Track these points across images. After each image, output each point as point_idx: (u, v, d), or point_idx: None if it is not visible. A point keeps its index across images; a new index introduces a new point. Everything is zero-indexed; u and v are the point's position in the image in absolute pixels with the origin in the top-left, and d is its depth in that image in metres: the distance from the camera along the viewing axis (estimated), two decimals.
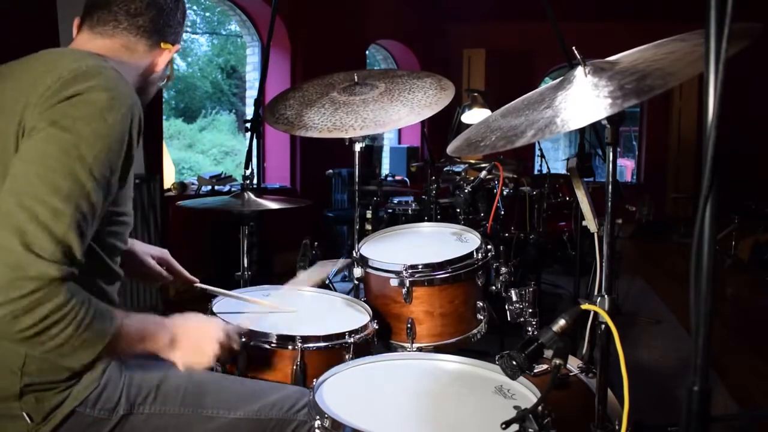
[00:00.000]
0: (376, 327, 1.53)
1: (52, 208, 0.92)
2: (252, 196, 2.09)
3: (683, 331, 3.63)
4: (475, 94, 4.52)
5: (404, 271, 1.62)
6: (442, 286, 1.65)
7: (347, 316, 1.61)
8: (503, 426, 0.94)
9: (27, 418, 1.04)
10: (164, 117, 6.45)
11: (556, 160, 14.33)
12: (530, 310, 1.60)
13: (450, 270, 1.65)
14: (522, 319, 1.60)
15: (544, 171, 4.69)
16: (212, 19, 13.15)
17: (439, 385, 1.25)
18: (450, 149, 1.27)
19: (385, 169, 7.41)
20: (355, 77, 2.08)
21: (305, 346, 1.37)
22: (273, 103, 2.12)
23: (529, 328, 1.59)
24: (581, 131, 2.68)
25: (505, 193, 3.55)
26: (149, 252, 1.50)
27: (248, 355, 1.37)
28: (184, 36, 1.34)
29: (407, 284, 1.62)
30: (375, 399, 1.19)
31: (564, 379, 1.48)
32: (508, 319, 1.62)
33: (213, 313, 1.52)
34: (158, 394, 1.15)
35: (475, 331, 1.71)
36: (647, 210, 7.76)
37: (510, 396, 1.18)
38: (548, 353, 1.05)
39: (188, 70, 12.90)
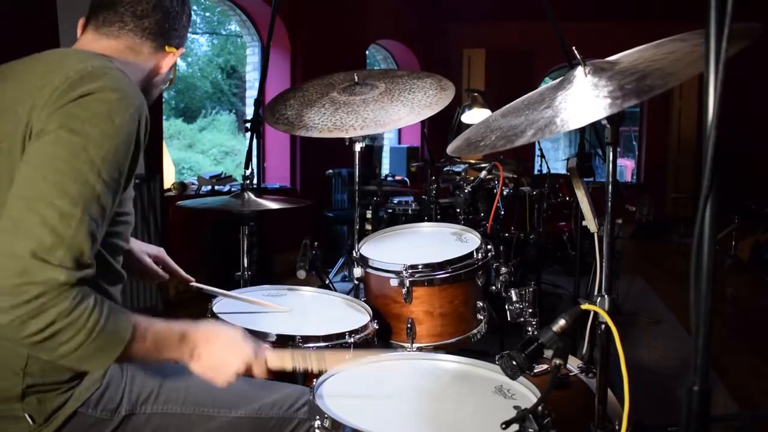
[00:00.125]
0: (376, 327, 1.53)
1: (61, 212, 0.91)
2: (252, 196, 2.09)
3: (683, 331, 3.63)
4: (475, 94, 4.52)
5: (404, 271, 1.62)
6: (442, 286, 1.65)
7: (347, 316, 1.61)
8: (503, 426, 0.94)
9: (29, 420, 1.04)
10: (164, 117, 6.45)
11: (556, 160, 14.33)
12: (530, 310, 1.60)
13: (450, 270, 1.65)
14: (522, 319, 1.61)
15: (544, 171, 4.70)
16: (212, 19, 13.16)
17: (439, 385, 1.25)
18: (450, 149, 1.27)
19: (385, 169, 7.42)
20: (355, 77, 2.08)
21: (305, 346, 1.37)
22: (273, 103, 2.12)
23: (529, 328, 1.59)
24: (581, 131, 2.68)
25: (505, 193, 3.55)
26: (146, 250, 1.50)
27: None
28: None
29: (407, 284, 1.62)
30: (375, 399, 1.19)
31: (564, 379, 1.48)
32: (508, 319, 1.62)
33: (213, 314, 1.52)
34: (160, 394, 1.15)
35: (475, 331, 1.71)
36: (647, 210, 7.76)
37: (510, 396, 1.18)
38: (548, 353, 1.05)
39: (188, 70, 12.90)
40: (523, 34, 7.76)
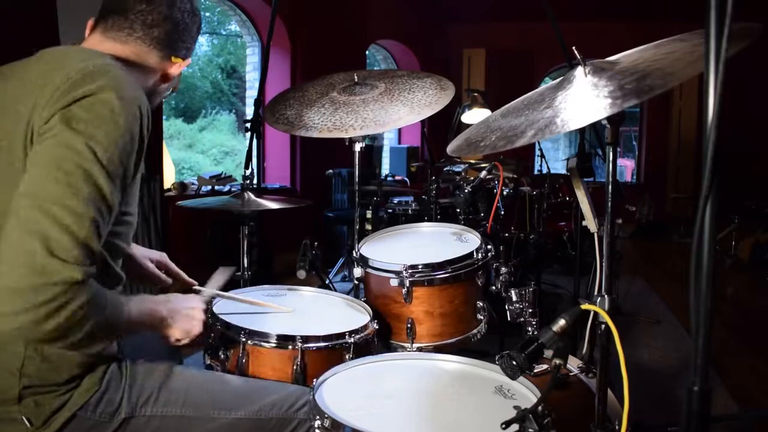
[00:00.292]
0: (376, 327, 1.53)
1: (74, 212, 0.92)
2: (252, 196, 2.09)
3: (683, 331, 3.63)
4: (475, 94, 4.52)
5: (404, 271, 1.62)
6: (442, 286, 1.65)
7: (347, 316, 1.61)
8: (503, 426, 0.94)
9: (26, 423, 1.03)
10: (164, 117, 6.46)
11: (556, 160, 14.33)
12: (530, 310, 1.60)
13: (450, 270, 1.64)
14: (522, 319, 1.60)
15: (544, 171, 4.69)
16: (212, 19, 13.15)
17: (439, 385, 1.25)
18: (450, 149, 1.27)
19: (385, 169, 7.42)
20: (355, 77, 2.08)
21: (305, 346, 1.37)
22: (273, 103, 2.12)
23: (529, 328, 1.59)
24: (581, 131, 2.68)
25: (505, 193, 3.54)
26: (148, 255, 1.51)
27: (248, 354, 1.37)
28: None
29: (407, 284, 1.62)
30: (375, 399, 1.19)
31: (564, 379, 1.48)
32: (508, 319, 1.62)
33: (213, 313, 1.52)
34: (159, 396, 1.15)
35: (475, 331, 1.71)
36: (647, 210, 7.76)
37: (510, 396, 1.18)
38: (548, 353, 1.05)
39: (188, 70, 12.85)
40: (523, 34, 7.76)
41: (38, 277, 0.88)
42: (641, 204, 7.73)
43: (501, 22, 8.00)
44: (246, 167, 2.35)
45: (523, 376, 1.07)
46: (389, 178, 6.21)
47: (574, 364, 1.54)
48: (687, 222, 7.37)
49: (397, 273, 1.63)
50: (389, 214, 3.80)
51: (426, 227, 2.04)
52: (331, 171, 5.62)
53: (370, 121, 1.91)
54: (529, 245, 3.62)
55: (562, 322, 1.04)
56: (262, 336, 1.37)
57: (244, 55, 6.50)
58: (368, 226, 3.61)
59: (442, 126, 4.58)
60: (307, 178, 5.82)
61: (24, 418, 1.03)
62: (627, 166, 12.11)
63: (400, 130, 8.12)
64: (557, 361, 1.02)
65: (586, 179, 1.59)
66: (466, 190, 2.56)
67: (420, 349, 1.63)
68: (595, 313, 1.09)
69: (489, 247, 1.75)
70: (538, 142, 4.28)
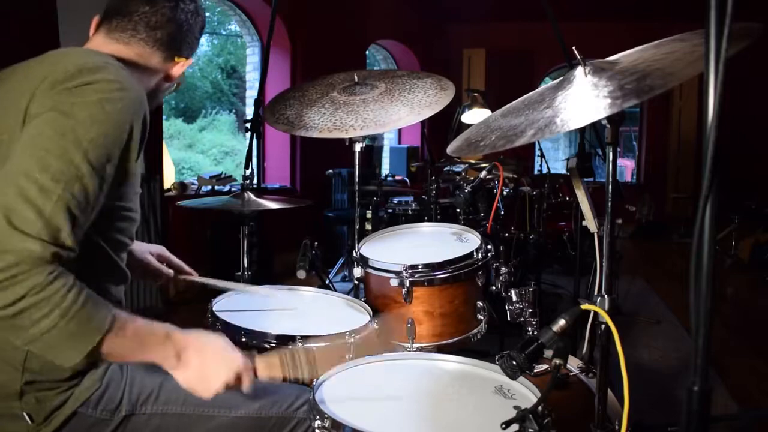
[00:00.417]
0: (376, 327, 1.53)
1: (41, 186, 0.90)
2: (252, 196, 2.09)
3: (683, 331, 3.63)
4: (475, 94, 4.52)
5: (404, 271, 1.62)
6: (442, 286, 1.65)
7: (347, 316, 1.61)
8: (503, 426, 0.94)
9: (27, 419, 1.03)
10: (164, 117, 6.46)
11: (556, 160, 14.33)
12: (530, 310, 1.60)
13: (450, 270, 1.65)
14: (522, 319, 1.61)
15: (544, 171, 4.69)
16: (212, 19, 13.14)
17: (439, 385, 1.25)
18: (450, 149, 1.27)
19: (385, 169, 7.41)
20: (355, 77, 2.08)
21: (305, 346, 1.37)
22: (273, 103, 2.12)
23: (529, 328, 1.59)
24: (581, 131, 2.68)
25: (505, 193, 3.54)
26: (148, 250, 1.51)
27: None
28: None
29: (407, 284, 1.62)
30: (375, 399, 1.19)
31: (564, 379, 1.48)
32: (508, 319, 1.62)
33: (213, 313, 1.52)
34: (160, 394, 1.15)
35: (475, 331, 1.71)
36: (647, 210, 7.76)
37: (510, 396, 1.18)
38: (548, 353, 1.05)
39: (188, 70, 12.82)
40: (523, 34, 7.76)
41: None
42: (641, 204, 7.73)
43: (501, 22, 8.00)
44: (246, 167, 2.35)
45: (523, 376, 1.07)
46: (389, 178, 6.21)
47: (574, 364, 1.55)
48: (687, 222, 7.36)
49: (397, 273, 1.63)
50: (389, 214, 3.80)
51: (426, 227, 2.05)
52: (331, 171, 5.62)
53: (370, 121, 1.91)
54: (529, 245, 3.62)
55: (562, 322, 1.04)
56: (262, 336, 1.37)
57: (244, 55, 6.51)
58: (368, 226, 3.61)
59: (442, 126, 4.58)
60: (307, 178, 5.82)
61: (25, 414, 1.03)
62: (627, 166, 12.10)
63: (400, 130, 8.12)
64: (557, 361, 1.02)
65: (586, 179, 1.59)
66: (466, 190, 2.56)
67: (420, 349, 1.63)
68: (595, 313, 1.09)
69: (489, 247, 1.75)
70: (538, 142, 4.28)
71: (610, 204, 1.13)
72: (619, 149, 1.29)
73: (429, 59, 8.01)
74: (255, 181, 2.26)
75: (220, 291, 1.63)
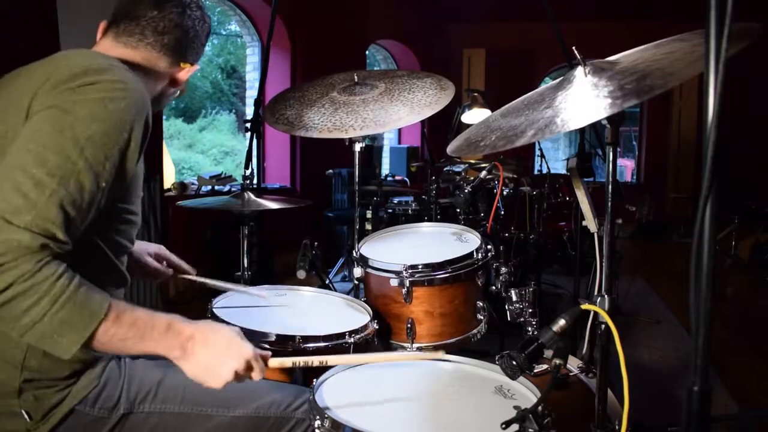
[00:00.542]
0: (376, 327, 1.53)
1: (36, 180, 0.92)
2: (252, 196, 2.09)
3: (683, 331, 3.63)
4: (475, 94, 4.52)
5: (404, 271, 1.62)
6: (442, 286, 1.65)
7: (347, 316, 1.61)
8: (503, 426, 0.94)
9: (26, 416, 1.04)
10: (164, 117, 6.45)
11: (556, 160, 14.33)
12: (530, 310, 1.60)
13: (450, 270, 1.64)
14: (522, 319, 1.61)
15: (544, 171, 4.69)
16: (212, 19, 13.13)
17: (439, 385, 1.25)
18: (450, 149, 1.27)
19: (385, 169, 7.41)
20: (355, 77, 2.08)
21: (305, 345, 1.37)
22: (273, 103, 2.12)
23: (529, 328, 1.59)
24: (581, 131, 2.68)
25: (505, 193, 3.54)
26: (147, 250, 1.51)
27: None
28: None
29: (407, 284, 1.62)
30: (375, 399, 1.19)
31: (564, 379, 1.48)
32: (508, 319, 1.62)
33: (213, 312, 1.52)
34: (158, 392, 1.15)
35: (475, 331, 1.71)
36: (647, 210, 7.76)
37: (510, 396, 1.18)
38: (548, 353, 1.05)
39: None
40: (523, 34, 7.76)
41: None
42: (641, 204, 7.73)
43: (501, 22, 8.00)
44: (246, 167, 2.35)
45: (523, 376, 1.07)
46: (389, 178, 6.21)
47: (574, 364, 1.55)
48: (687, 222, 7.36)
49: (397, 273, 1.63)
50: (389, 214, 3.80)
51: (426, 227, 2.05)
52: (331, 171, 5.62)
53: (370, 121, 1.91)
54: (529, 245, 3.62)
55: (562, 322, 1.04)
56: (262, 336, 1.37)
57: (244, 55, 6.51)
58: (368, 226, 3.61)
59: (442, 126, 4.58)
60: (307, 178, 5.82)
61: (23, 412, 1.04)
62: (627, 166, 12.10)
63: (400, 130, 8.12)
64: (557, 361, 1.02)
65: (586, 179, 1.59)
66: (466, 190, 2.56)
67: (420, 349, 1.63)
68: (595, 313, 1.09)
69: (489, 247, 1.75)
70: (538, 142, 4.28)
71: (610, 204, 1.13)
72: (619, 149, 1.29)
73: (429, 59, 8.01)
74: (255, 181, 2.26)
75: (220, 291, 1.63)
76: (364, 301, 1.69)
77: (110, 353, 1.09)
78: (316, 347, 1.38)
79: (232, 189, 4.58)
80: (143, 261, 1.49)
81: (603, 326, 1.11)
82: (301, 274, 2.06)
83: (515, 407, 1.01)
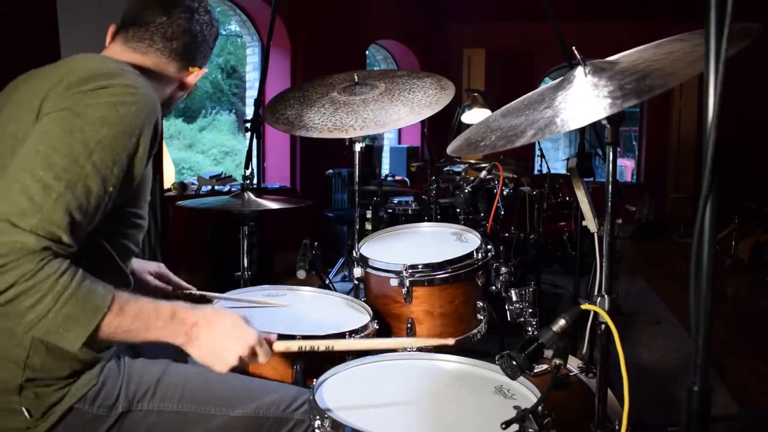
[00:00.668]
0: (376, 327, 1.52)
1: (44, 183, 0.93)
2: (252, 196, 2.09)
3: (683, 331, 3.63)
4: (475, 94, 4.52)
5: (404, 271, 1.62)
6: (442, 286, 1.65)
7: (347, 316, 1.61)
8: (503, 426, 0.94)
9: (26, 413, 1.04)
10: (164, 117, 6.44)
11: (556, 160, 14.33)
12: (530, 310, 1.60)
13: (450, 270, 1.64)
14: (522, 319, 1.60)
15: (544, 171, 4.69)
16: None
17: (439, 385, 1.25)
18: (450, 149, 1.27)
19: (385, 169, 7.41)
20: (355, 77, 2.08)
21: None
22: (273, 103, 2.12)
23: (529, 328, 1.59)
24: (581, 131, 2.68)
25: (505, 193, 3.54)
26: (147, 268, 1.53)
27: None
28: None
29: (407, 284, 1.62)
30: (375, 399, 1.19)
31: (564, 379, 1.48)
32: (508, 319, 1.62)
33: None
34: (157, 391, 1.15)
35: (475, 331, 1.71)
36: (647, 210, 7.76)
37: (510, 396, 1.18)
38: (548, 353, 1.05)
39: None
40: (523, 34, 7.76)
41: None
42: (641, 204, 7.73)
43: (501, 22, 8.00)
44: (246, 167, 2.35)
45: (523, 376, 1.07)
46: (389, 178, 6.21)
47: (574, 364, 1.54)
48: (687, 222, 7.36)
49: (397, 273, 1.63)
50: (389, 214, 3.80)
51: (426, 227, 2.05)
52: (331, 171, 5.62)
53: (370, 121, 1.91)
54: (529, 245, 3.62)
55: (562, 322, 1.04)
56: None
57: (244, 55, 6.51)
58: (368, 226, 3.61)
59: (442, 126, 4.58)
60: (307, 178, 5.82)
61: (24, 409, 1.04)
62: (627, 166, 12.10)
63: (400, 130, 8.12)
64: (557, 361, 1.02)
65: (586, 179, 1.59)
66: (466, 190, 2.56)
67: (420, 349, 1.63)
68: (595, 313, 1.09)
69: (489, 247, 1.75)
70: (538, 142, 4.28)
71: (610, 204, 1.13)
72: (619, 149, 1.29)
73: (429, 59, 8.01)
74: (255, 181, 2.26)
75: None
76: (364, 301, 1.69)
77: (109, 354, 1.11)
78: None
79: (232, 189, 4.58)
80: (144, 279, 1.50)
81: (603, 326, 1.11)
82: (301, 274, 2.06)
83: (515, 407, 1.01)
